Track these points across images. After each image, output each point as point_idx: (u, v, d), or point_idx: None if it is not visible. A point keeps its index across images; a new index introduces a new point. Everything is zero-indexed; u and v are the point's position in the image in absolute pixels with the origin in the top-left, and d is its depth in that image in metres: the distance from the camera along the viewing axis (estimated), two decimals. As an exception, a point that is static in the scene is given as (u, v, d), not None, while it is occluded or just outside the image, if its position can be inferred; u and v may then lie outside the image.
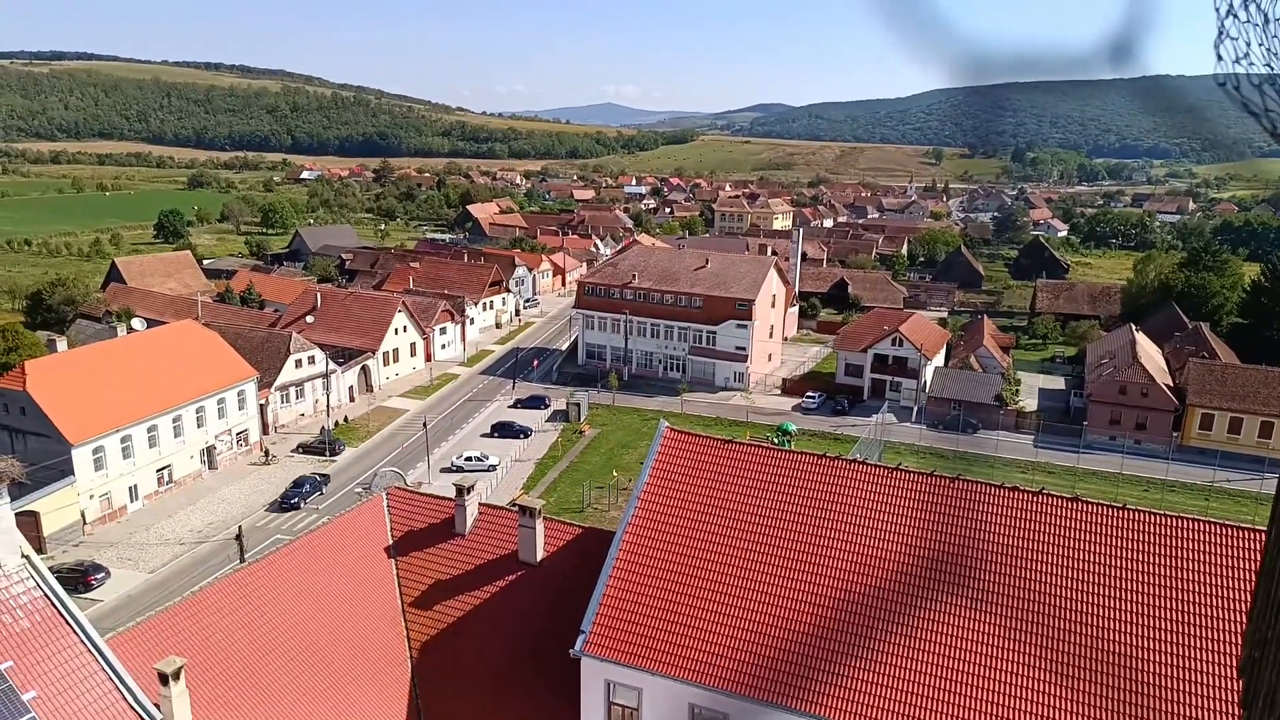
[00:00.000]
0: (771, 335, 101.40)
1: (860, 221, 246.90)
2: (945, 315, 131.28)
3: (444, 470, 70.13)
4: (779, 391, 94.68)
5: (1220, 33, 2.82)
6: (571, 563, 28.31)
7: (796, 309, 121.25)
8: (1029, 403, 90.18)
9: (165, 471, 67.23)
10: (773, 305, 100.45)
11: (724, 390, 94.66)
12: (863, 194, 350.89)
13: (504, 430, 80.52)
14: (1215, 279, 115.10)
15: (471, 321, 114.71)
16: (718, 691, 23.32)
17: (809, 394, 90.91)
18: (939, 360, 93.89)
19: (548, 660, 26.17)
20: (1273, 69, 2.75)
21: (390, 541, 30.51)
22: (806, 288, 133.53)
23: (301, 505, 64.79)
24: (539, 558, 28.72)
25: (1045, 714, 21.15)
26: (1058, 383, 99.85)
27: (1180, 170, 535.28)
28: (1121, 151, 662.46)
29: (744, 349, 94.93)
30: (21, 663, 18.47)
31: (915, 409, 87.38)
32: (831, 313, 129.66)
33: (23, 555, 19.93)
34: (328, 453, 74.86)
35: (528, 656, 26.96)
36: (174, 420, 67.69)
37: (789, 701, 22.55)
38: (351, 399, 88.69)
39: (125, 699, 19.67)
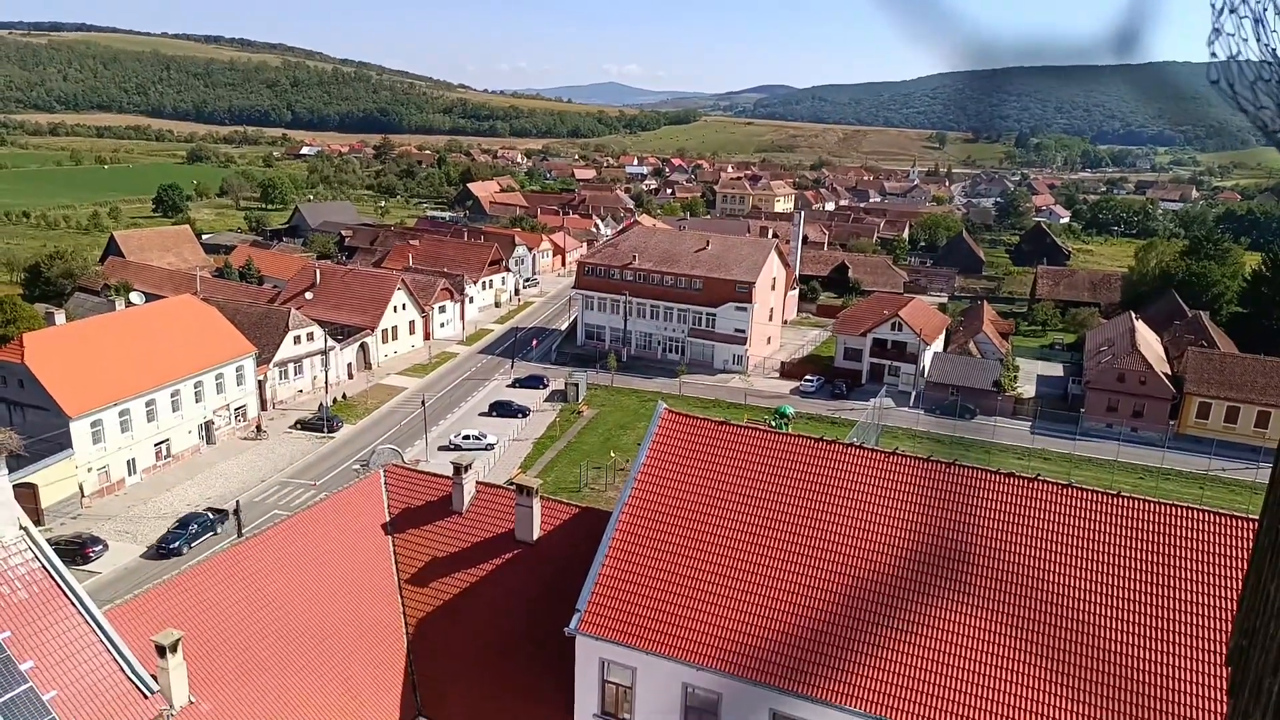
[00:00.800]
0: (771, 318, 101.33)
1: (862, 205, 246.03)
2: (945, 300, 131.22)
3: (442, 448, 70.30)
4: (777, 374, 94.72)
5: (1215, 30, 2.79)
6: (568, 542, 28.44)
7: (796, 292, 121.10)
8: (1027, 389, 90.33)
9: (163, 445, 67.36)
10: (773, 288, 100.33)
11: (723, 372, 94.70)
12: (865, 177, 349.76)
13: (502, 409, 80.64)
14: (1216, 268, 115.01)
15: (471, 300, 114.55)
16: (712, 671, 23.49)
17: (807, 377, 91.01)
18: (938, 345, 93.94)
19: (543, 638, 26.36)
20: (1269, 64, 2.73)
21: (387, 518, 30.64)
22: (807, 271, 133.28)
23: (185, 550, 53.79)
24: (535, 536, 28.85)
25: (1039, 696, 21.32)
26: (1056, 369, 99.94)
27: (1184, 158, 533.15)
28: (1126, 138, 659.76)
29: (743, 331, 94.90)
30: (19, 633, 18.60)
31: (913, 394, 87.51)
32: (831, 296, 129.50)
33: (20, 527, 20.01)
34: (326, 429, 75.05)
35: (523, 634, 27.14)
36: (172, 395, 67.74)
37: (782, 683, 22.72)
38: (350, 376, 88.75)
39: (123, 670, 19.82)
